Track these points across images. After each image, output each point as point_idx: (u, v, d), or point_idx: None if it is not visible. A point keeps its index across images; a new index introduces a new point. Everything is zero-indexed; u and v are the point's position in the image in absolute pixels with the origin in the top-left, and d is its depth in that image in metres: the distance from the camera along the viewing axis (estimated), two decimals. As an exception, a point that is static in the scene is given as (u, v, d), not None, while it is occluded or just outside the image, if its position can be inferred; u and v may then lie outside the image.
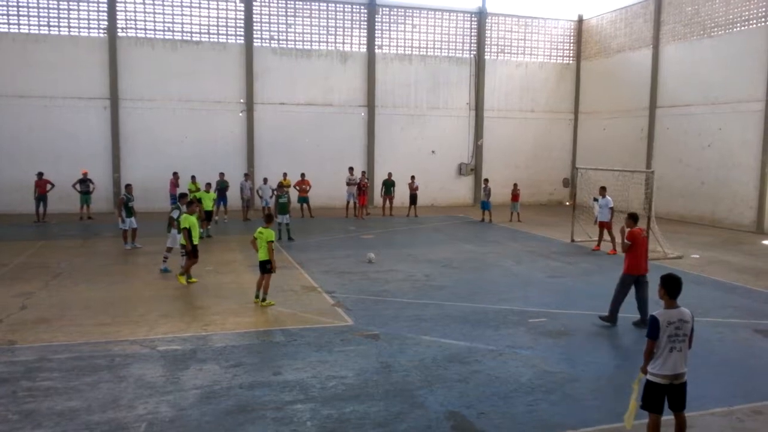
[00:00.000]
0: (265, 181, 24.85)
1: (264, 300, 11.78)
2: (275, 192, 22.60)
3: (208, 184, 21.35)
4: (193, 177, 23.43)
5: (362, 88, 29.79)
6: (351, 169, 26.59)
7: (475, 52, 31.48)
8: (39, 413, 6.94)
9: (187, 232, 13.28)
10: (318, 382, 7.96)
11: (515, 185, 25.75)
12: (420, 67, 30.69)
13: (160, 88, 26.90)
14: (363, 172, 27.72)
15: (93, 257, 16.78)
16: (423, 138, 30.69)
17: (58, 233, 20.84)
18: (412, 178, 27.06)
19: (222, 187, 24.35)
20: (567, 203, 30.73)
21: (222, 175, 24.74)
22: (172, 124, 27.01)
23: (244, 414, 7.00)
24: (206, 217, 19.44)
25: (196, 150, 26.85)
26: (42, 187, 23.22)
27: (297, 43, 28.85)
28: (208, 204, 20.10)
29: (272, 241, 11.73)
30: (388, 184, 26.98)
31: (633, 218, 11.07)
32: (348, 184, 26.26)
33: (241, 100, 28.09)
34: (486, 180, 25.86)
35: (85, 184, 23.99)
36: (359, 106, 29.81)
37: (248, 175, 26.04)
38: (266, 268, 11.70)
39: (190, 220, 13.37)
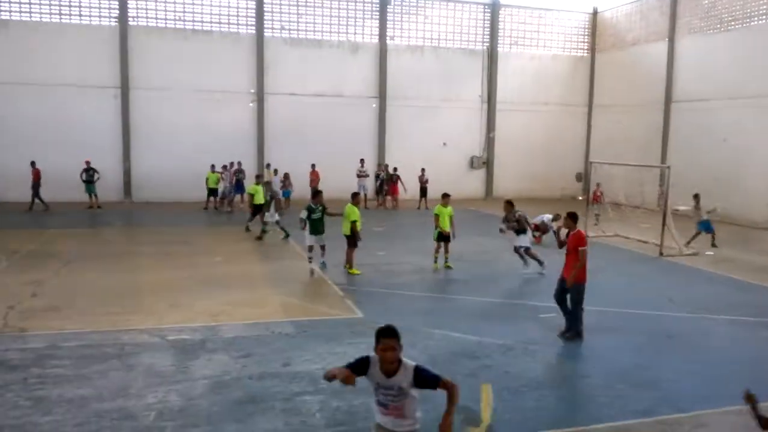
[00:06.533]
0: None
1: (447, 261, 14.57)
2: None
3: (258, 176, 20.55)
4: (212, 166, 23.56)
5: (373, 80, 29.62)
6: (362, 160, 26.49)
7: (487, 44, 31.23)
8: (49, 400, 6.95)
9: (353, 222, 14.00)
10: (327, 373, 7.91)
11: (598, 185, 21.89)
12: (432, 59, 30.47)
13: (170, 77, 26.81)
14: (386, 165, 27.51)
15: (103, 246, 16.84)
16: (434, 130, 30.39)
17: (68, 222, 20.91)
18: (422, 170, 26.92)
19: (239, 178, 24.46)
20: (580, 198, 30.50)
21: (239, 164, 24.80)
22: (182, 113, 26.94)
23: (253, 404, 6.99)
24: (254, 212, 18.77)
25: (206, 139, 26.72)
26: (36, 176, 23.22)
27: (308, 33, 28.72)
28: (260, 198, 18.74)
29: (452, 216, 14.43)
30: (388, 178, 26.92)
31: (571, 217, 9.76)
32: (358, 176, 26.17)
33: (252, 90, 28.03)
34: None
35: (88, 173, 24.00)
36: (370, 97, 29.67)
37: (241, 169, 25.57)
38: (447, 237, 14.31)
39: (355, 212, 14.23)
